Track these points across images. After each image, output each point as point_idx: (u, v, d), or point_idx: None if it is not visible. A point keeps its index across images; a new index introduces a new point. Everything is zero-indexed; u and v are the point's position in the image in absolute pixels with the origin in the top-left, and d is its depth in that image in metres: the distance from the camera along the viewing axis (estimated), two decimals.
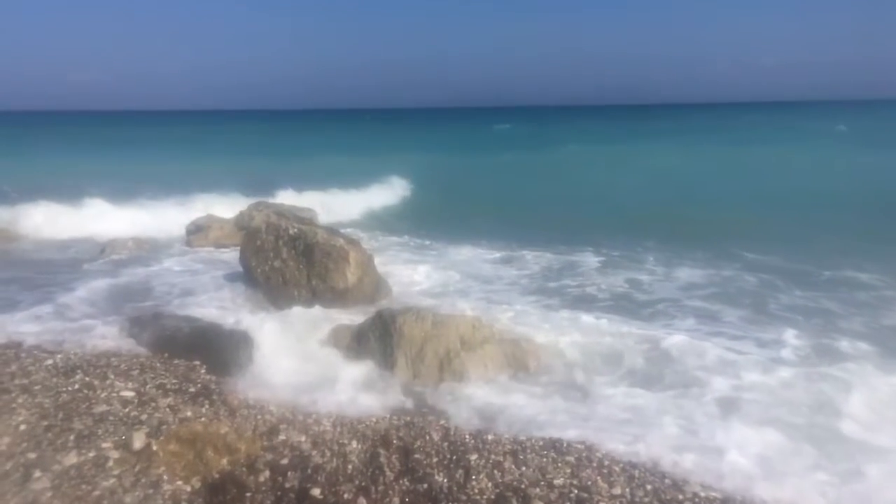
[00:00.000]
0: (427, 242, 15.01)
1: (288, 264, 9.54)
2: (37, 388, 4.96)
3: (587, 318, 8.72)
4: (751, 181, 24.54)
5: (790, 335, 8.14)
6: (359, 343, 7.49)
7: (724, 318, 9.16)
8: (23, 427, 4.40)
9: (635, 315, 9.27)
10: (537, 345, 7.62)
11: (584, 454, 5.15)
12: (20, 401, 4.71)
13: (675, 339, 7.83)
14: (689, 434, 5.60)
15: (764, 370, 6.91)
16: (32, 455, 4.13)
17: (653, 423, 5.79)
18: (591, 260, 12.83)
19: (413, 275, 11.57)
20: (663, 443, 5.39)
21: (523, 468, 4.83)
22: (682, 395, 6.44)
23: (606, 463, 5.04)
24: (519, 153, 40.32)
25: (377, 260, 10.29)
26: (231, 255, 11.98)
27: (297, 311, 8.71)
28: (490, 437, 5.38)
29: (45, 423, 4.51)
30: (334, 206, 19.52)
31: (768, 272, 11.46)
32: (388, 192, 22.81)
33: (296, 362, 7.36)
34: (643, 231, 15.18)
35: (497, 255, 13.40)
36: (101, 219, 16.73)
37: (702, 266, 12.09)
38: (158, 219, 16.32)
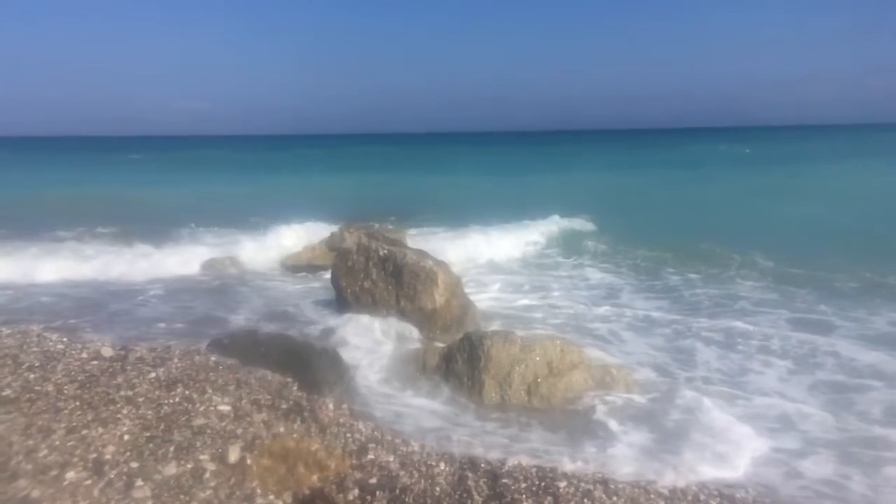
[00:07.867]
0: (577, 271, 14.36)
1: (377, 285, 9.67)
2: (140, 399, 5.14)
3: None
4: None
5: None
6: (447, 364, 7.50)
7: None
8: (126, 437, 4.58)
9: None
10: (627, 372, 7.44)
11: (678, 486, 4.96)
12: (125, 412, 4.89)
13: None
14: None
15: None
16: (135, 464, 4.28)
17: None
18: (749, 295, 11.61)
19: (533, 304, 11.36)
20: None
21: (614, 498, 4.67)
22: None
23: (702, 497, 4.83)
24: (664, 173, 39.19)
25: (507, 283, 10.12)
26: (323, 276, 12.25)
27: (386, 331, 8.83)
28: (579, 463, 5.26)
29: (147, 434, 4.67)
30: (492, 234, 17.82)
31: None
32: (539, 222, 20.20)
33: (384, 381, 7.44)
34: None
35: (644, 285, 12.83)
36: (198, 239, 17.48)
37: None
38: (255, 239, 16.84)
